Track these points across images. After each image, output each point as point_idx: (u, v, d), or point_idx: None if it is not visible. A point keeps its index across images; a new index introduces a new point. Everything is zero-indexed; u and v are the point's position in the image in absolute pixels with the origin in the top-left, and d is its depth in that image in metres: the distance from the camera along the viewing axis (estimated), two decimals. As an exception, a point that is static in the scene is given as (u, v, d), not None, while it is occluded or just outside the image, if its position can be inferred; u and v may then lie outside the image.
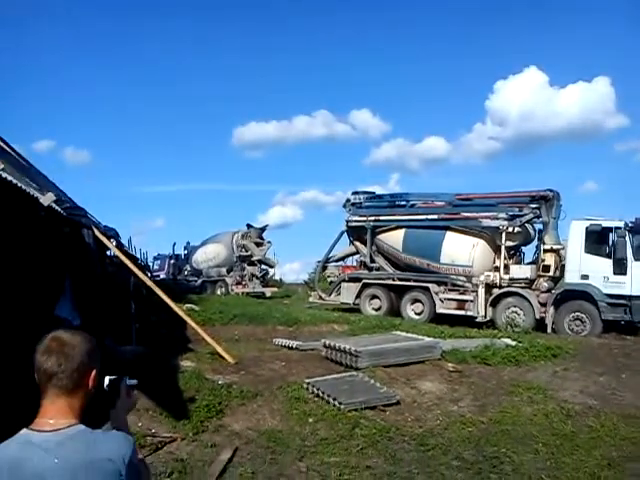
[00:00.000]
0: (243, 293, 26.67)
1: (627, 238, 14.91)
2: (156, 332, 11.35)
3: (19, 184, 5.28)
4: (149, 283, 10.82)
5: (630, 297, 14.68)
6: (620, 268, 14.85)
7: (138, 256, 25.48)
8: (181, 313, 10.73)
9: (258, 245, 28.97)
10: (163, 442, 6.37)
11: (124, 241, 18.94)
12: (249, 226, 29.43)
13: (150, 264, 31.75)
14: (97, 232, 8.82)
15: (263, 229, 29.99)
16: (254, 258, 28.71)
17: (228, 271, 28.41)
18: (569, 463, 6.12)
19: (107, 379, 2.07)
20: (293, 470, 5.96)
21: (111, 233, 11.24)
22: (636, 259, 14.88)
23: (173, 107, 77.96)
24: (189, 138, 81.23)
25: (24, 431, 1.79)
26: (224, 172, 78.67)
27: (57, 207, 6.60)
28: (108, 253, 12.25)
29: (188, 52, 74.87)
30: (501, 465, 6.13)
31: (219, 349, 10.00)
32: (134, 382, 2.20)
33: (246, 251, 28.46)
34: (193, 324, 10.60)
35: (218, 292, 27.39)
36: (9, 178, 5.05)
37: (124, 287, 11.59)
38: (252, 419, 7.39)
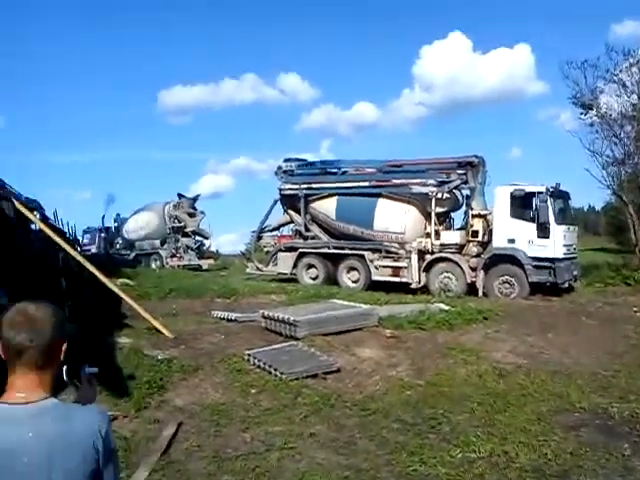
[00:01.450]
0: (179, 266, 26.21)
1: (549, 202, 15.51)
2: (90, 309, 11.01)
3: None
4: (79, 258, 10.45)
5: (554, 259, 15.40)
6: (543, 232, 15.46)
7: (66, 230, 24.47)
8: (115, 288, 10.46)
9: (191, 216, 28.46)
10: (105, 421, 6.24)
11: (49, 214, 18.08)
12: (180, 196, 28.81)
13: (79, 238, 30.56)
14: (18, 204, 8.39)
15: (195, 199, 29.45)
16: (188, 229, 28.21)
17: (162, 243, 27.78)
18: (502, 420, 6.43)
19: (64, 368, 1.87)
20: (238, 441, 5.99)
21: (33, 205, 10.68)
22: (558, 223, 15.58)
23: (96, 73, 74.70)
24: (111, 104, 78.46)
25: None
26: (151, 138, 76.47)
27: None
28: (32, 227, 11.69)
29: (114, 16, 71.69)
30: (439, 425, 6.38)
31: (156, 324, 9.83)
32: (94, 370, 2.04)
33: (179, 222, 27.89)
34: (128, 299, 10.35)
35: (153, 265, 26.73)
36: None
37: (53, 263, 11.13)
38: (194, 393, 7.35)
